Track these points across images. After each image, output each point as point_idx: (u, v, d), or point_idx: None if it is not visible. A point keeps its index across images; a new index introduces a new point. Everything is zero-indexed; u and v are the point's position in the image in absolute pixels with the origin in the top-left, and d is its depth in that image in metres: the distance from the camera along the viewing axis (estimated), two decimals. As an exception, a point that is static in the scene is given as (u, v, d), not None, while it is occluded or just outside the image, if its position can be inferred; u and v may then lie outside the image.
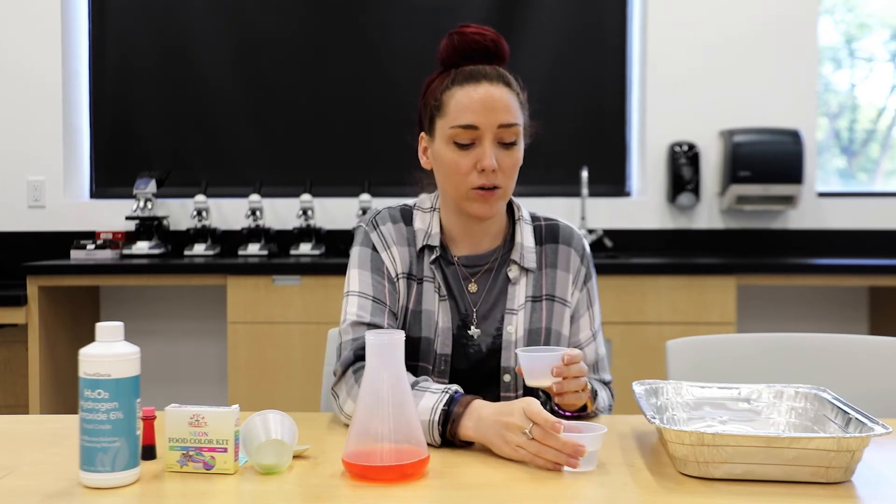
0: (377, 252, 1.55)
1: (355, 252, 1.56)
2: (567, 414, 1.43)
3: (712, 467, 1.13)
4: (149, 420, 1.22)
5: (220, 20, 3.89)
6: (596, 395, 1.47)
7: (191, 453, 1.16)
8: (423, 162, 1.58)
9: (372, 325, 1.48)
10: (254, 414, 1.22)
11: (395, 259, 1.55)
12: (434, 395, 1.32)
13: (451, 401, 1.30)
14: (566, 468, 1.18)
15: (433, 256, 1.55)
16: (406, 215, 1.60)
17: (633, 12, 3.86)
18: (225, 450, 1.15)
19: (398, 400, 1.16)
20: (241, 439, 1.18)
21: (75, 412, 1.14)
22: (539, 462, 1.19)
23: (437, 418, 1.29)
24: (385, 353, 1.17)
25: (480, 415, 1.27)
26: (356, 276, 1.53)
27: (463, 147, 1.47)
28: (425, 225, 1.58)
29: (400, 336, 1.18)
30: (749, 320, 3.66)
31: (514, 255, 1.57)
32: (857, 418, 1.19)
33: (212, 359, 3.83)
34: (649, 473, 1.17)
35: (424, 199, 1.63)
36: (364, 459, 1.13)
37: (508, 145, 1.48)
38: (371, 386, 1.16)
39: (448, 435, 1.29)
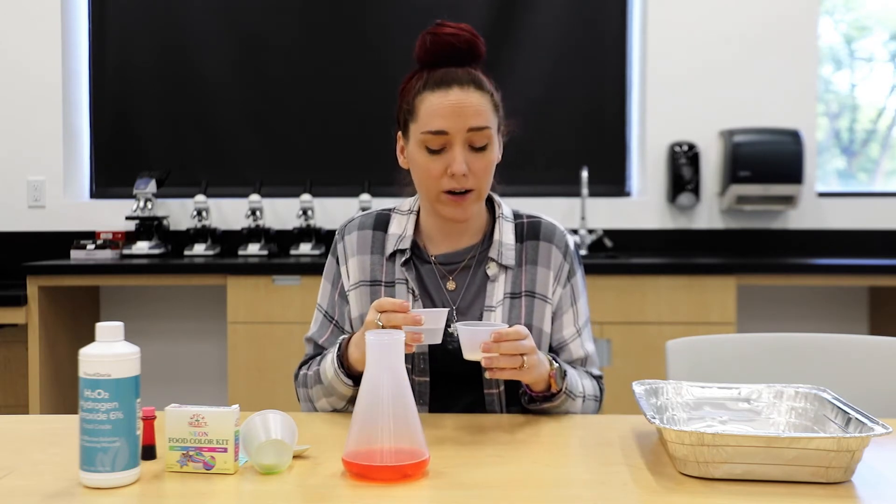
0: (338, 265, 1.62)
1: (327, 261, 1.65)
2: (533, 394, 1.46)
3: (712, 467, 1.13)
4: (149, 420, 1.22)
5: (220, 20, 3.89)
6: (565, 374, 1.46)
7: (191, 453, 1.16)
8: (401, 161, 1.59)
9: (312, 341, 1.61)
10: (254, 414, 1.22)
11: (350, 271, 1.60)
12: (332, 350, 1.48)
13: (341, 345, 1.47)
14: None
15: (403, 259, 1.57)
16: (381, 220, 1.62)
17: (633, 12, 3.86)
18: (225, 450, 1.15)
19: (398, 400, 1.16)
20: (241, 439, 1.18)
21: (75, 412, 1.14)
22: None
23: (336, 366, 1.44)
24: (385, 353, 1.17)
25: (355, 337, 1.42)
26: (321, 289, 1.65)
27: (433, 152, 1.48)
28: (401, 228, 1.60)
29: (400, 336, 1.18)
30: (749, 320, 3.66)
31: (492, 253, 1.57)
32: (857, 418, 1.19)
33: (212, 359, 3.83)
34: (649, 473, 1.17)
35: (405, 202, 1.65)
36: (364, 459, 1.14)
37: (479, 149, 1.49)
38: (371, 386, 1.16)
39: (348, 369, 1.44)
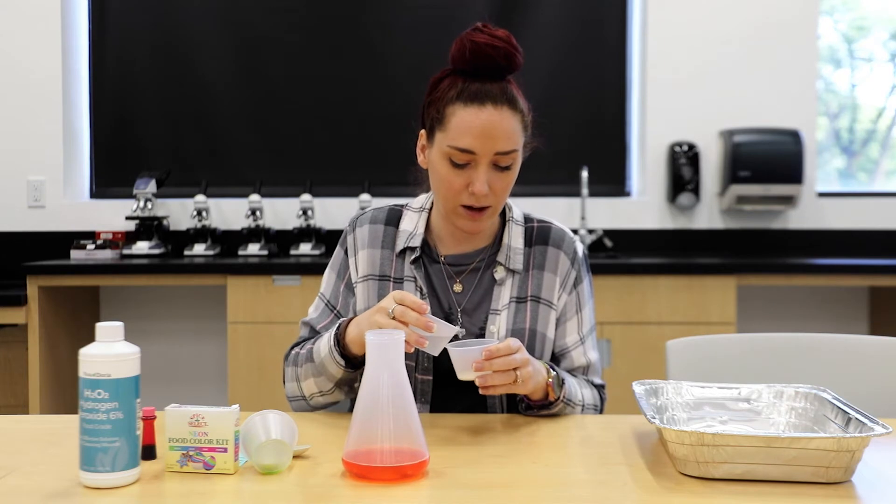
0: (347, 256, 1.62)
1: (335, 252, 1.65)
2: (530, 402, 1.46)
3: (712, 467, 1.13)
4: (149, 420, 1.22)
5: (220, 20, 3.89)
6: (563, 383, 1.46)
7: (191, 453, 1.16)
8: (420, 159, 1.58)
9: (309, 325, 1.61)
10: (254, 414, 1.22)
11: (359, 264, 1.59)
12: (330, 330, 1.48)
13: (341, 325, 1.46)
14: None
15: (413, 257, 1.57)
16: (393, 216, 1.62)
17: (633, 12, 3.86)
18: (225, 450, 1.15)
19: (398, 400, 1.16)
20: (241, 439, 1.18)
21: (75, 412, 1.14)
22: None
23: (333, 343, 1.44)
24: (385, 353, 1.17)
25: (359, 318, 1.42)
26: (325, 277, 1.65)
27: (457, 166, 1.47)
28: (412, 226, 1.60)
29: (400, 336, 1.18)
30: (749, 320, 3.67)
31: (500, 257, 1.57)
32: (857, 418, 1.19)
33: (212, 359, 3.83)
34: (649, 473, 1.17)
35: (416, 200, 1.65)
36: (364, 459, 1.14)
37: (503, 168, 1.48)
38: (371, 386, 1.16)
39: (342, 348, 1.43)
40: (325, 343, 1.47)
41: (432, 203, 1.62)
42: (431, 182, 1.55)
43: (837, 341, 1.76)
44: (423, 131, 1.55)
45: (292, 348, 1.60)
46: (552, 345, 1.57)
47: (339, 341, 1.44)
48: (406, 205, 1.64)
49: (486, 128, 1.44)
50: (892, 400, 1.66)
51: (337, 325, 1.47)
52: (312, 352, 1.50)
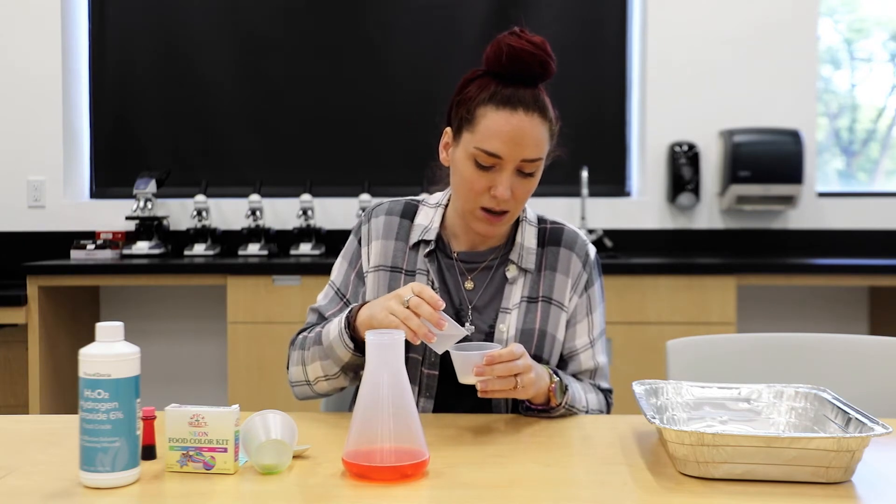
0: (360, 245, 1.62)
1: (348, 241, 1.66)
2: (532, 406, 1.46)
3: (712, 467, 1.13)
4: (149, 420, 1.22)
5: (220, 20, 3.89)
6: (566, 389, 1.46)
7: (191, 453, 1.16)
8: (442, 157, 1.57)
9: (317, 311, 1.60)
10: (254, 414, 1.22)
11: (372, 254, 1.59)
12: (341, 314, 1.46)
13: (352, 308, 1.46)
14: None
15: (427, 250, 1.57)
16: (409, 209, 1.62)
17: (633, 12, 3.86)
18: (225, 450, 1.15)
19: (398, 400, 1.16)
20: (241, 439, 1.18)
21: (75, 412, 1.14)
22: (404, 329, 1.28)
23: (343, 326, 1.43)
24: (385, 353, 1.17)
25: (372, 302, 1.41)
26: (336, 265, 1.65)
27: (482, 168, 1.46)
28: (427, 220, 1.60)
29: (400, 336, 1.18)
30: (749, 320, 3.66)
31: (513, 256, 1.57)
32: (857, 418, 1.19)
33: (212, 359, 3.83)
34: (649, 473, 1.17)
35: (433, 196, 1.65)
36: (364, 459, 1.14)
37: (526, 175, 1.48)
38: (371, 386, 1.16)
39: (352, 331, 1.42)
40: (334, 325, 1.46)
41: (448, 200, 1.62)
42: (452, 180, 1.55)
43: (837, 341, 1.76)
44: (448, 129, 1.55)
45: (299, 333, 1.59)
46: (561, 346, 1.57)
47: (350, 324, 1.44)
48: (422, 200, 1.65)
49: (515, 133, 1.45)
50: (892, 400, 1.66)
51: (349, 308, 1.47)
52: (321, 335, 1.50)
